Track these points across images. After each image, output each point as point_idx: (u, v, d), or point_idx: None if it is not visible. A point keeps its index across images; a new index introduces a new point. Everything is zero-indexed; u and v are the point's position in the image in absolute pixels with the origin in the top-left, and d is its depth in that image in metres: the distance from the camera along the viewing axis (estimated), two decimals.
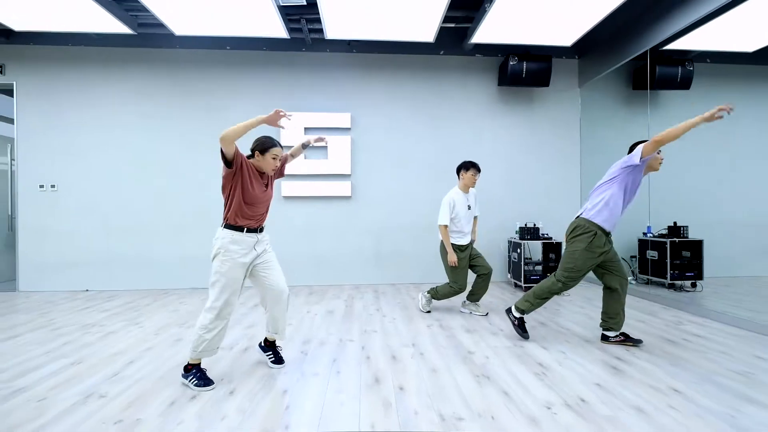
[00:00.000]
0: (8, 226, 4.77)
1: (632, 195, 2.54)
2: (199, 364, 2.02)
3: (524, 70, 4.56)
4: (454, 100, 4.92)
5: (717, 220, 4.56)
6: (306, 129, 4.72)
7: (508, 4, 3.50)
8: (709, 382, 2.03)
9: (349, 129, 4.80)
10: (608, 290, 2.62)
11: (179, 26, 3.89)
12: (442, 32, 4.40)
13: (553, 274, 2.66)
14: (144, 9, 3.84)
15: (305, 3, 3.62)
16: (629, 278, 4.78)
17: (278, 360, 2.26)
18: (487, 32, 4.04)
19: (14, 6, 3.54)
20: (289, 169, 4.68)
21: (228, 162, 1.93)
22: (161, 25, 4.10)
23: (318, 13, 4.01)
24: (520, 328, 2.70)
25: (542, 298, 2.62)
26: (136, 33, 4.00)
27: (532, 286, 4.41)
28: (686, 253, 4.45)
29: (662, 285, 4.44)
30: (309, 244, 4.77)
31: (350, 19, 3.74)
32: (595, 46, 4.80)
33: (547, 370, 2.20)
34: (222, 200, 2.10)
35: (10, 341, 2.75)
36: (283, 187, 4.70)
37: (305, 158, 4.73)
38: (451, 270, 3.26)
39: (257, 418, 1.69)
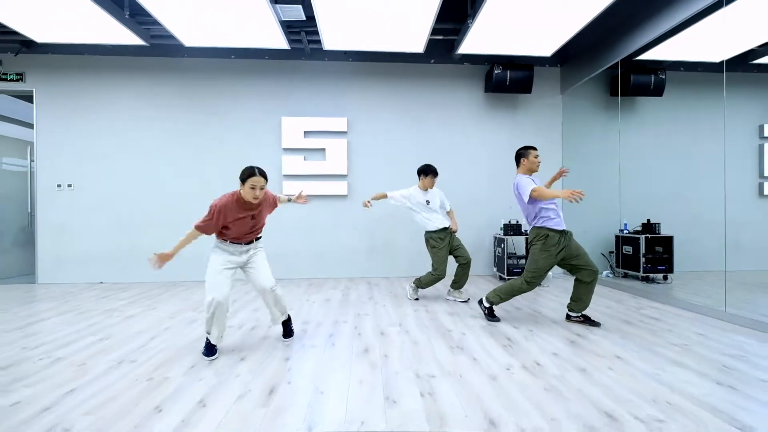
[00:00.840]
0: (28, 223, 5.11)
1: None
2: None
3: (508, 78, 4.91)
4: (443, 106, 5.28)
5: (689, 217, 4.90)
6: (305, 132, 5.08)
7: (489, 20, 3.85)
8: (649, 351, 2.38)
9: (345, 132, 5.15)
10: (578, 281, 2.94)
11: (189, 38, 4.24)
12: (432, 43, 4.75)
13: (522, 276, 2.96)
14: (156, 23, 4.17)
15: (305, 18, 3.96)
16: (606, 272, 5.14)
17: (287, 333, 2.63)
18: (473, 44, 4.39)
19: (37, 19, 3.87)
20: (289, 169, 5.05)
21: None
22: (172, 37, 4.44)
23: (316, 26, 4.37)
24: (490, 315, 3.06)
25: (510, 296, 2.99)
26: (148, 44, 4.34)
27: (514, 278, 4.78)
28: (659, 248, 4.80)
29: (637, 278, 4.79)
30: (308, 240, 5.12)
31: (346, 31, 4.09)
32: (576, 56, 5.16)
33: (513, 343, 2.55)
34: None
35: (41, 323, 3.09)
36: (284, 187, 5.05)
37: (305, 160, 5.08)
38: (432, 258, 3.64)
39: (265, 375, 2.04)
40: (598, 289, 4.43)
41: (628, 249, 4.95)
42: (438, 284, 4.43)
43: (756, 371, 2.07)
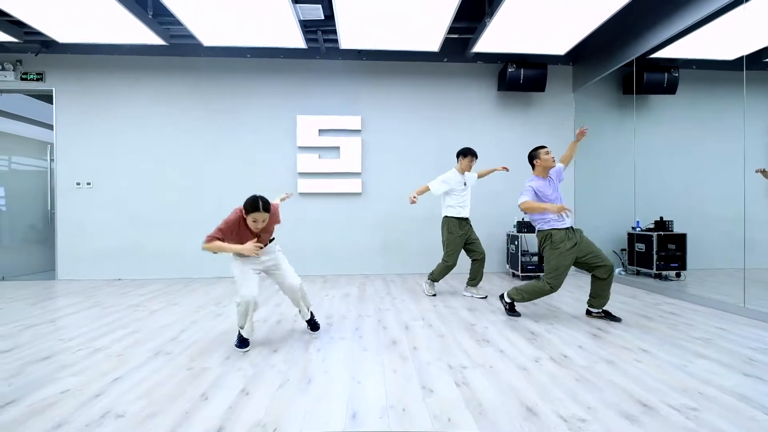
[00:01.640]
0: (48, 220, 5.19)
1: (552, 198, 2.92)
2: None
3: (521, 76, 4.95)
4: (456, 104, 5.32)
5: (702, 215, 4.93)
6: (320, 131, 5.13)
7: (506, 18, 3.89)
8: (672, 344, 2.42)
9: (359, 131, 5.20)
10: (595, 278, 2.98)
11: (208, 38, 4.29)
12: (446, 41, 4.79)
13: (543, 277, 2.96)
14: (176, 22, 4.24)
15: (323, 17, 4.01)
16: (619, 269, 5.17)
17: (313, 327, 2.70)
18: (488, 42, 4.43)
19: (60, 20, 3.94)
20: (303, 167, 5.11)
21: None
22: (190, 36, 4.50)
23: (333, 25, 4.42)
24: (511, 310, 3.11)
25: (534, 296, 2.97)
26: (168, 44, 4.40)
27: (528, 276, 4.82)
28: (671, 246, 4.83)
29: (649, 275, 4.82)
30: (322, 236, 5.17)
31: (363, 30, 4.14)
32: (588, 54, 5.19)
33: (537, 336, 2.59)
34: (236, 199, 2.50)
35: (71, 317, 3.16)
36: (299, 184, 5.11)
37: (319, 158, 5.13)
38: (446, 246, 3.71)
39: (300, 366, 2.10)
40: (613, 286, 4.45)
41: (641, 246, 4.99)
42: (455, 281, 4.48)
43: None
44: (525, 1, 3.60)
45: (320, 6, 3.80)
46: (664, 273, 4.76)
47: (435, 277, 3.81)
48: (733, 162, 4.85)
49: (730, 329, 2.73)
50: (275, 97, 5.15)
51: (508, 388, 1.84)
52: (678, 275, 4.75)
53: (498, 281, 4.70)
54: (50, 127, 5.04)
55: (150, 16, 3.95)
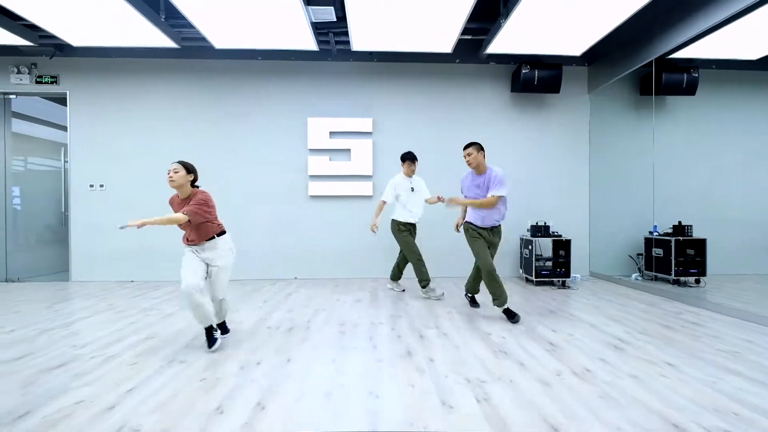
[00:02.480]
0: (62, 222, 5.23)
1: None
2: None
3: (536, 77, 4.86)
4: (468, 106, 5.24)
5: (721, 219, 4.79)
6: (331, 133, 5.09)
7: (522, 19, 3.81)
8: (697, 358, 2.33)
9: (371, 133, 5.15)
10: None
11: (219, 40, 4.28)
12: (459, 42, 4.71)
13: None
14: (188, 25, 4.22)
15: (335, 19, 3.97)
16: (635, 275, 5.05)
17: (223, 330, 2.73)
18: (502, 43, 4.35)
19: (73, 23, 3.94)
20: (314, 170, 5.08)
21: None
22: (202, 39, 4.49)
23: (345, 27, 4.37)
24: (511, 315, 3.12)
25: (497, 282, 3.10)
26: (179, 47, 4.39)
27: (543, 281, 4.73)
28: (690, 251, 4.71)
29: (667, 281, 4.70)
30: (333, 240, 5.14)
31: (376, 32, 4.08)
32: (604, 55, 5.07)
33: (556, 347, 2.52)
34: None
35: (84, 320, 3.16)
36: (310, 187, 5.08)
37: (330, 160, 5.10)
38: (404, 245, 4.04)
39: (316, 377, 2.06)
40: (630, 292, 4.38)
41: (658, 251, 4.86)
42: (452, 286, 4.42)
43: None
44: (541, 1, 3.52)
45: (332, 8, 3.75)
46: (682, 279, 4.65)
47: (424, 277, 3.97)
48: (756, 165, 4.71)
49: (757, 341, 2.63)
50: (286, 99, 5.12)
51: (530, 404, 1.78)
52: (697, 281, 4.63)
53: (510, 287, 4.62)
54: (64, 128, 5.08)
55: (162, 19, 3.94)
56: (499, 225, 3.34)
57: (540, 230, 4.81)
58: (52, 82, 4.94)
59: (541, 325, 3.02)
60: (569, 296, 4.09)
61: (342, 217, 5.15)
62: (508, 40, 4.30)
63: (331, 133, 5.09)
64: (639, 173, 5.35)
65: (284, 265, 5.11)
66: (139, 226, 2.12)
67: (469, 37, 4.62)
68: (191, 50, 4.92)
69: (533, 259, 4.69)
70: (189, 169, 2.54)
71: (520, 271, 5.10)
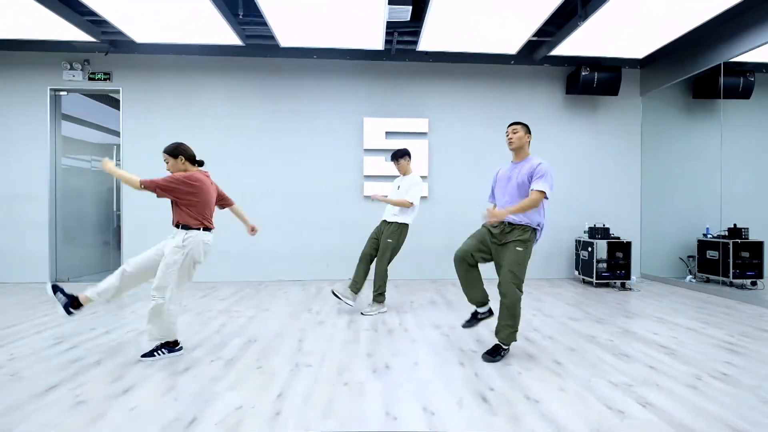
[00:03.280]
0: (113, 221, 5.15)
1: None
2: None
3: (595, 80, 4.86)
4: (522, 107, 5.24)
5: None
6: (387, 133, 5.07)
7: (599, 22, 3.80)
8: None
9: (426, 133, 5.13)
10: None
11: (286, 39, 4.23)
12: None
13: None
14: (255, 23, 4.18)
15: (409, 18, 3.94)
16: (689, 277, 5.07)
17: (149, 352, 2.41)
18: (569, 45, 4.34)
19: (145, 20, 3.88)
20: (370, 170, 5.04)
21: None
22: (266, 37, 4.44)
23: (411, 27, 4.35)
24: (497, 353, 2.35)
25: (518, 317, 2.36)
26: (244, 44, 4.34)
27: (603, 282, 4.73)
28: (745, 254, 4.73)
29: (720, 283, 4.72)
30: None
31: (448, 33, 4.06)
32: (660, 57, 5.07)
33: (671, 350, 2.51)
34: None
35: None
36: (365, 187, 5.05)
37: (386, 161, 5.06)
38: (394, 252, 3.51)
39: (446, 381, 2.03)
40: (695, 294, 4.39)
41: (713, 254, 4.88)
42: (540, 292, 4.40)
43: None
44: (623, 3, 3.51)
45: (410, 7, 3.72)
46: (738, 281, 4.67)
47: (383, 289, 3.46)
48: None
49: None
50: (342, 98, 5.08)
51: (696, 408, 1.76)
52: (754, 284, 4.65)
53: (570, 288, 4.62)
54: (110, 131, 5.00)
55: (241, 16, 3.88)
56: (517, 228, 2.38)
57: (599, 232, 4.81)
58: (105, 79, 4.86)
59: (636, 327, 3.02)
60: (637, 298, 4.10)
61: None
62: (575, 42, 4.30)
63: (387, 133, 5.06)
64: (690, 176, 5.38)
65: (340, 265, 5.07)
66: (105, 168, 2.30)
67: (535, 38, 4.61)
68: (248, 48, 4.85)
69: (594, 261, 4.69)
70: (173, 153, 2.45)
71: (576, 272, 5.10)
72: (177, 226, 2.41)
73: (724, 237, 4.81)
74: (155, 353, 2.34)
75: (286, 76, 5.04)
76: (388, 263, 3.51)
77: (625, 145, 5.40)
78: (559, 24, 4.36)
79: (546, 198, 2.31)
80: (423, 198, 5.13)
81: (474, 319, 2.61)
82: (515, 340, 2.38)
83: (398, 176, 3.74)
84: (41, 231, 4.82)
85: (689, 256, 5.32)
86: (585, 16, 3.77)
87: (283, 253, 5.01)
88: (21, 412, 1.70)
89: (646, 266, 5.44)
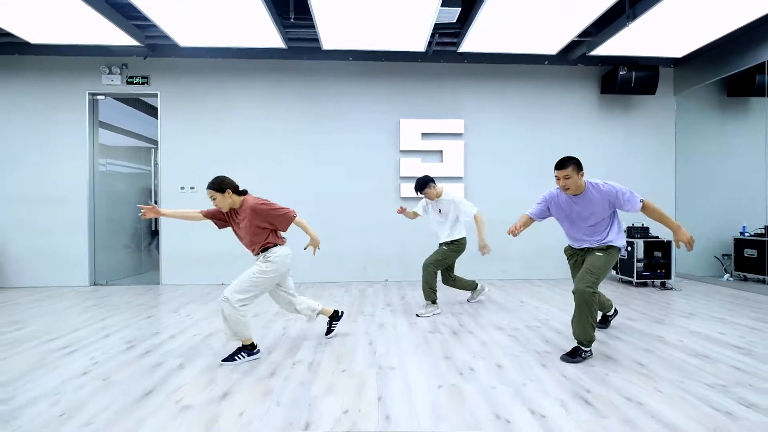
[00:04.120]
0: (152, 225, 5.16)
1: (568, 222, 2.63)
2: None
3: (633, 79, 4.86)
4: (558, 107, 5.24)
5: None
6: (423, 134, 5.07)
7: (647, 21, 3.80)
8: None
9: (461, 134, 5.13)
10: None
11: (330, 41, 4.23)
12: None
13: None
14: (298, 26, 4.18)
15: (455, 20, 3.95)
16: (726, 275, 5.06)
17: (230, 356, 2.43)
18: (611, 45, 4.34)
19: (188, 24, 3.88)
20: (406, 171, 5.05)
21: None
22: (307, 39, 4.44)
23: (453, 29, 4.35)
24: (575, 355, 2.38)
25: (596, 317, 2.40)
26: (287, 47, 4.35)
27: (642, 282, 4.72)
28: None
29: (758, 281, 4.71)
30: (425, 240, 5.10)
31: (492, 34, 4.06)
32: (694, 55, 5.06)
33: (753, 353, 2.50)
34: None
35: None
36: (402, 188, 5.05)
37: (422, 162, 5.07)
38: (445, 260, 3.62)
39: (520, 385, 2.03)
40: (740, 293, 4.37)
41: (751, 252, 4.88)
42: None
43: None
44: (671, 2, 3.49)
45: (459, 9, 3.73)
46: None
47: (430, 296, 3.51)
48: None
49: None
50: (378, 100, 5.09)
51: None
52: None
53: (612, 288, 4.62)
54: (154, 142, 5.02)
55: (292, 19, 3.89)
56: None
57: (638, 231, 4.81)
58: (143, 83, 4.87)
59: (698, 327, 3.02)
60: (681, 297, 4.11)
61: None
62: (615, 42, 4.29)
63: (423, 134, 5.07)
64: (724, 174, 5.38)
65: (376, 267, 5.08)
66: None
67: (576, 39, 4.61)
68: (287, 51, 4.86)
69: (634, 260, 4.68)
70: (220, 187, 2.38)
71: (614, 272, 5.10)
72: (264, 250, 2.58)
73: (761, 235, 4.81)
74: (236, 357, 2.35)
75: (322, 78, 5.05)
76: (439, 268, 3.57)
77: (658, 143, 5.39)
78: (599, 24, 4.36)
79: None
80: None
81: (605, 322, 3.04)
82: (593, 339, 2.36)
83: (422, 198, 3.68)
84: (81, 235, 4.83)
85: (724, 255, 5.31)
86: (633, 16, 3.77)
87: (322, 255, 5.00)
88: (133, 416, 1.71)
89: (680, 265, 5.44)
